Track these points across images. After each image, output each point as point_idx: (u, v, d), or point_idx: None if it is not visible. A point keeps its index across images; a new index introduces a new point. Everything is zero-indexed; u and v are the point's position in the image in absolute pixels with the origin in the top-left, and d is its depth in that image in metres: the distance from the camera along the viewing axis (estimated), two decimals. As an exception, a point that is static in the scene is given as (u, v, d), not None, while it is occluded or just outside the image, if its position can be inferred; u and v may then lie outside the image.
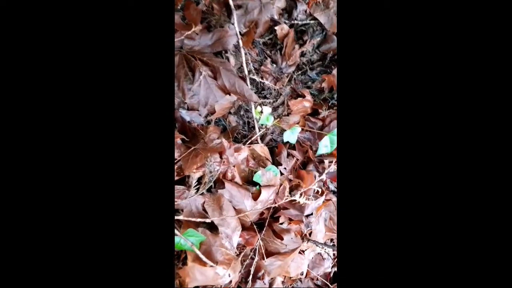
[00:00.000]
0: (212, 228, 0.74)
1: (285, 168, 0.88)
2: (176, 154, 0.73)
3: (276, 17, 0.87)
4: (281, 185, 0.86)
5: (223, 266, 0.71)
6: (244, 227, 0.81)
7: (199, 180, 0.78)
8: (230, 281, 0.72)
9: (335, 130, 0.84)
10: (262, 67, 0.90)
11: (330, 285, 1.02)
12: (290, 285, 0.98)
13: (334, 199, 1.01)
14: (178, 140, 0.73)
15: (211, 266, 0.68)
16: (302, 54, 0.94)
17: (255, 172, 0.85)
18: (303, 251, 0.93)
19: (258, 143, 0.88)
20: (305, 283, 1.02)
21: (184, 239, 0.66)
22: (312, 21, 0.93)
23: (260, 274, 0.85)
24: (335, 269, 1.07)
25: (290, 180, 0.91)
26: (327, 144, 0.83)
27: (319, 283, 1.04)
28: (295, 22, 0.91)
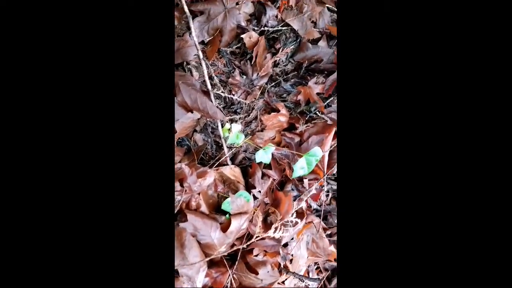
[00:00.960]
0: (174, 268, 0.63)
1: (259, 191, 0.79)
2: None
3: (243, 23, 0.79)
4: (254, 211, 0.77)
5: (186, 314, 0.60)
6: (213, 263, 0.71)
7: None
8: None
9: (313, 150, 0.75)
10: (230, 79, 0.81)
11: (316, 313, 0.94)
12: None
13: (316, 220, 0.93)
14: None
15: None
16: (275, 64, 0.86)
17: (225, 198, 0.75)
18: (283, 282, 0.84)
19: (227, 164, 0.78)
20: (289, 312, 0.93)
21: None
22: (284, 28, 0.84)
23: (234, 312, 0.75)
24: (321, 294, 0.98)
25: (266, 204, 0.82)
26: (303, 165, 0.75)
27: (304, 311, 0.95)
28: (266, 28, 0.83)
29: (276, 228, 0.68)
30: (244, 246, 0.71)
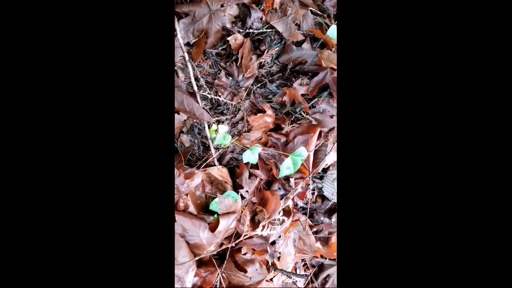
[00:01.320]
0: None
1: (247, 191, 0.80)
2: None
3: (228, 25, 0.79)
4: (242, 211, 0.78)
5: (176, 314, 0.61)
6: (202, 262, 0.71)
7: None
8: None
9: (298, 150, 0.77)
10: (216, 80, 0.81)
11: (304, 308, 0.96)
12: (261, 314, 0.90)
13: (303, 218, 0.95)
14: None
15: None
16: (260, 66, 0.88)
17: (213, 198, 0.76)
18: (271, 279, 0.85)
19: (215, 165, 0.79)
20: (277, 309, 0.95)
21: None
22: (269, 30, 0.86)
23: (224, 311, 0.76)
24: (309, 290, 1.01)
25: (253, 203, 0.83)
26: (289, 165, 0.77)
27: (292, 307, 0.97)
28: (251, 31, 0.84)
29: (263, 226, 0.69)
30: (233, 245, 0.72)
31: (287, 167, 0.77)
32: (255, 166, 0.87)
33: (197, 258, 0.66)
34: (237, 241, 0.73)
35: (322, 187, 1.00)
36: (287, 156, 0.80)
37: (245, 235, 0.73)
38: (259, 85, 0.88)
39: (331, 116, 0.93)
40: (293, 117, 0.89)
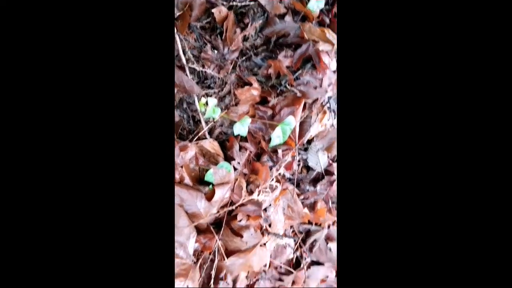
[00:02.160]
0: (163, 238, 0.66)
1: (238, 163, 0.83)
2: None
3: (212, -2, 0.79)
4: (236, 181, 0.81)
5: (180, 278, 0.64)
6: (200, 230, 0.74)
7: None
8: (190, 292, 0.66)
9: (287, 119, 0.81)
10: (202, 54, 0.81)
11: (293, 271, 1.03)
12: (255, 277, 0.96)
13: (291, 187, 1.00)
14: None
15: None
16: (245, 39, 0.88)
17: (206, 171, 0.78)
18: (264, 244, 0.91)
19: (206, 138, 0.80)
20: (269, 273, 1.01)
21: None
22: (251, 3, 0.86)
23: (222, 275, 0.81)
24: (297, 254, 1.08)
25: (245, 175, 0.87)
26: (279, 134, 0.80)
27: (282, 270, 1.04)
28: (234, 3, 0.84)
29: (259, 192, 0.73)
30: (231, 208, 0.75)
31: (277, 136, 0.80)
32: (244, 139, 0.89)
33: (196, 223, 0.69)
34: (233, 206, 0.76)
35: (307, 158, 1.06)
36: (274, 127, 0.84)
37: (239, 204, 0.77)
38: (244, 58, 0.89)
39: (315, 88, 0.97)
40: (279, 90, 0.92)
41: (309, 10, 0.93)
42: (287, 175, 1.04)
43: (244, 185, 0.78)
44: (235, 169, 0.82)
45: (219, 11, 0.80)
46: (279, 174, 0.96)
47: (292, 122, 0.81)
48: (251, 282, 0.92)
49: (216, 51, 0.84)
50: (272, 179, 0.86)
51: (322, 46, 0.91)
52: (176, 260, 0.63)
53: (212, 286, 0.75)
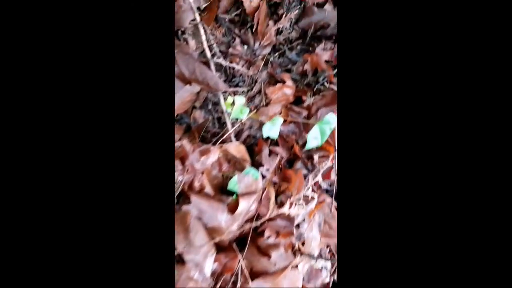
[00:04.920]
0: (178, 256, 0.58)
1: (267, 170, 0.73)
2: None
3: (242, -14, 0.71)
4: (264, 190, 0.71)
5: (195, 303, 0.55)
6: (221, 248, 0.65)
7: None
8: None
9: (326, 116, 0.69)
10: (231, 49, 0.74)
11: (330, 297, 0.89)
12: (285, 302, 0.84)
13: (328, 199, 0.87)
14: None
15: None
16: (278, 32, 0.79)
17: (230, 178, 0.69)
18: (296, 266, 0.79)
19: (231, 141, 0.72)
20: (302, 298, 0.89)
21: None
22: (287, -9, 0.77)
23: (247, 299, 0.71)
24: (334, 277, 0.94)
25: (274, 184, 0.76)
26: (316, 135, 0.68)
27: (317, 295, 0.91)
28: (267, -8, 0.75)
29: (291, 204, 0.62)
30: (258, 224, 0.65)
31: (314, 137, 0.69)
32: (275, 143, 0.79)
33: (215, 240, 0.60)
34: (260, 221, 0.66)
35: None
36: (308, 130, 0.72)
37: (268, 218, 0.66)
38: (277, 53, 0.79)
39: (358, 86, 0.84)
40: (316, 88, 0.81)
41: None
42: (325, 185, 0.91)
43: (273, 195, 0.68)
44: (263, 176, 0.72)
45: (250, 1, 0.72)
46: (315, 183, 0.84)
47: (332, 120, 0.69)
48: (280, 309, 0.80)
49: (246, 46, 0.76)
50: (308, 189, 0.75)
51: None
52: (190, 283, 0.54)
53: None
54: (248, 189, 0.67)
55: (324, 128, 0.68)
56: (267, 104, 0.80)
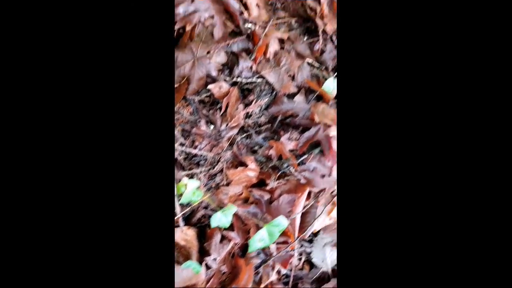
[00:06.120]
0: None
1: (214, 259, 0.69)
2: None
3: (214, 73, 0.74)
4: (208, 282, 0.66)
5: None
6: None
7: None
8: None
9: (277, 219, 0.67)
10: (195, 129, 0.75)
11: None
12: None
13: (284, 292, 0.81)
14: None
15: None
16: (247, 116, 0.81)
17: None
18: None
19: (178, 226, 0.69)
20: None
21: None
22: (259, 80, 0.80)
23: None
24: None
25: (223, 274, 0.72)
26: (263, 237, 0.66)
27: None
28: (239, 80, 0.78)
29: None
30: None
31: (260, 239, 0.66)
32: (230, 227, 0.76)
33: None
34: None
35: (311, 252, 0.88)
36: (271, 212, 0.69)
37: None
38: (244, 135, 0.80)
39: (323, 176, 0.83)
40: (280, 172, 0.80)
41: (324, 91, 0.84)
42: (284, 271, 0.86)
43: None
44: (208, 267, 0.68)
45: (219, 87, 0.75)
46: (272, 273, 0.79)
47: (282, 223, 0.66)
48: None
49: (212, 127, 0.77)
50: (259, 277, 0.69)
51: (334, 132, 0.79)
52: None
53: None
54: (186, 283, 0.62)
55: (273, 230, 0.65)
56: (227, 184, 0.78)
